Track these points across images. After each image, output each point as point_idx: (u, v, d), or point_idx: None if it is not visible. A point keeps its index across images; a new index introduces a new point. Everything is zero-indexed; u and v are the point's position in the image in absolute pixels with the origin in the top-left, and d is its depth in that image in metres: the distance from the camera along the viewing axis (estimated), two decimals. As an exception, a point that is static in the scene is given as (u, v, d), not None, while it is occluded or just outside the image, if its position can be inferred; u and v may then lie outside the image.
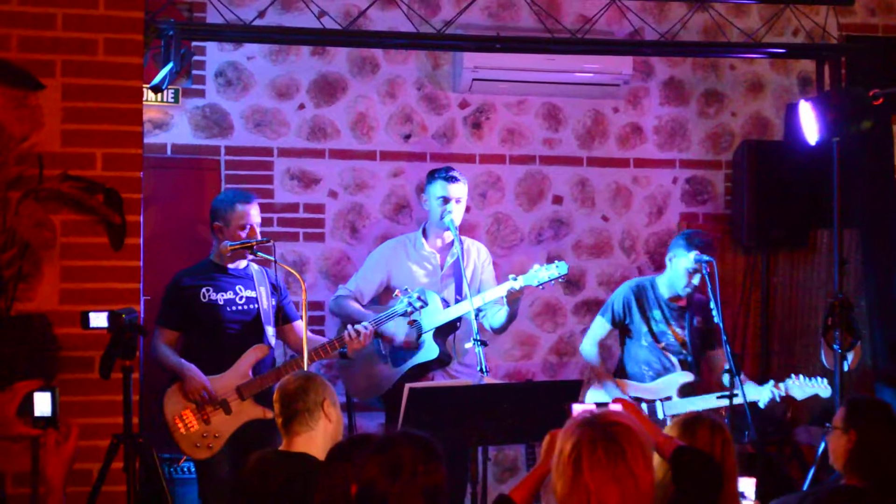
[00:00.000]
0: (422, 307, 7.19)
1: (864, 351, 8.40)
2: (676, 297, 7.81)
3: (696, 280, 7.62)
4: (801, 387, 7.57)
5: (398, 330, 7.38)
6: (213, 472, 6.95)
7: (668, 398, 7.68)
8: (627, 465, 3.53)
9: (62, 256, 6.25)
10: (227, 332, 7.09)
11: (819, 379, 7.57)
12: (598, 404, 4.63)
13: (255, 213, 7.14)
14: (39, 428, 4.01)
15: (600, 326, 7.98)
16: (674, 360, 7.78)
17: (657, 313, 7.81)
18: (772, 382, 7.63)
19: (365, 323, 7.19)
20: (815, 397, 7.64)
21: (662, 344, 7.79)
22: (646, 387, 7.75)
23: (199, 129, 8.55)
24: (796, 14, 8.43)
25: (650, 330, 7.80)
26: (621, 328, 7.93)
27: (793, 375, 7.63)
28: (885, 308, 8.99)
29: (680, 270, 7.68)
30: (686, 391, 7.70)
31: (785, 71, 9.51)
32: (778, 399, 7.59)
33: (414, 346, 7.39)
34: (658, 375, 7.77)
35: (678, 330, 7.79)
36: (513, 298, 7.23)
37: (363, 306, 7.58)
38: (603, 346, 8.02)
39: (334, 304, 7.68)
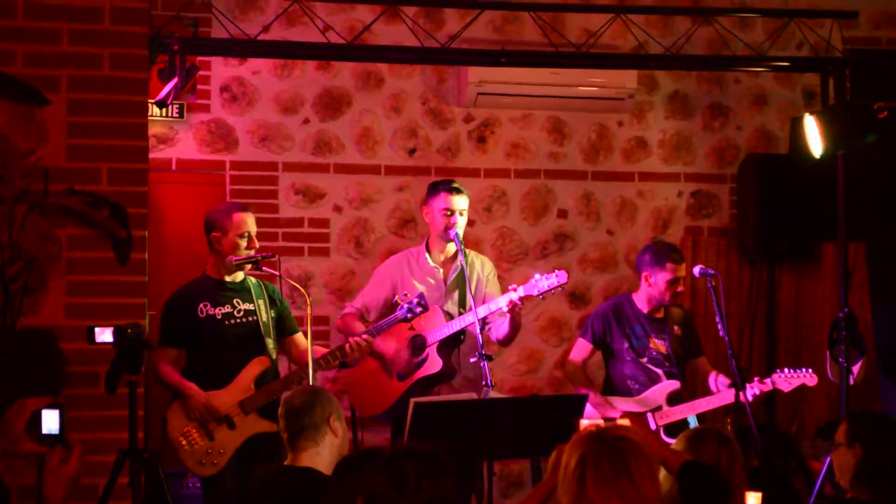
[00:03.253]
0: (422, 312, 7.16)
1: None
2: (655, 310, 7.81)
3: (679, 289, 7.65)
4: (788, 379, 7.57)
5: (398, 353, 7.39)
6: (218, 489, 6.92)
7: (659, 408, 7.67)
8: (632, 479, 3.53)
9: (68, 271, 6.26)
10: (228, 346, 7.04)
11: (804, 370, 7.57)
12: (605, 419, 4.62)
13: (252, 222, 7.10)
14: (47, 445, 4.00)
15: (581, 347, 7.94)
16: (658, 371, 7.77)
17: (637, 328, 7.81)
18: (756, 379, 7.64)
19: (364, 333, 7.18)
20: (822, 410, 7.64)
21: (645, 358, 7.78)
22: (634, 400, 7.74)
23: (205, 143, 8.58)
24: (801, 28, 8.44)
25: (631, 346, 7.79)
26: (603, 347, 7.90)
27: (777, 369, 7.64)
28: (890, 320, 8.99)
29: (661, 286, 7.68)
30: (674, 399, 7.70)
31: (789, 84, 9.51)
32: (758, 392, 7.58)
33: (413, 367, 7.38)
34: (645, 388, 7.76)
35: (659, 342, 7.79)
36: (514, 309, 7.20)
37: (368, 322, 7.57)
38: (587, 368, 7.99)
39: (341, 322, 7.67)
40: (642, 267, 7.81)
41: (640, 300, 7.84)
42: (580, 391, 7.78)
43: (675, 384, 7.72)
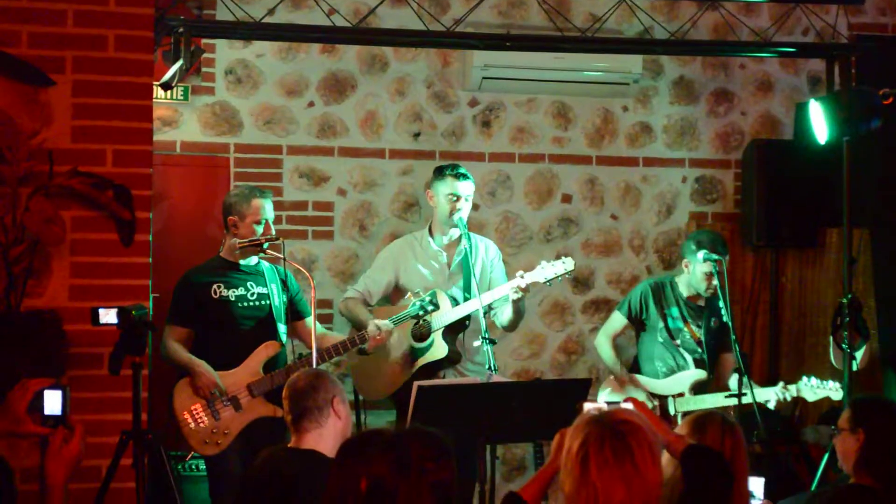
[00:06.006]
0: (433, 311, 7.20)
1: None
2: (695, 297, 7.84)
3: (715, 282, 7.62)
4: (813, 389, 7.57)
5: (394, 346, 7.38)
6: (223, 470, 6.94)
7: (681, 395, 7.69)
8: (635, 463, 3.53)
9: (72, 252, 6.26)
10: (240, 329, 7.09)
11: (831, 382, 7.56)
12: (609, 403, 4.62)
13: (270, 208, 7.13)
14: (49, 426, 4.00)
15: (616, 320, 8.01)
16: (688, 357, 7.79)
17: (675, 310, 7.84)
18: (781, 384, 7.64)
19: (387, 321, 7.19)
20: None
21: (678, 341, 7.80)
22: (659, 383, 7.77)
23: (209, 126, 8.57)
24: (806, 13, 8.42)
25: (666, 326, 7.82)
26: (637, 323, 7.95)
27: (804, 377, 7.62)
28: (893, 306, 8.98)
29: (698, 275, 7.73)
30: (698, 389, 7.71)
31: (794, 70, 9.50)
32: (786, 400, 7.59)
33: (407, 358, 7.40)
34: (671, 372, 7.79)
35: (695, 328, 7.81)
36: (518, 296, 7.21)
37: (371, 306, 7.57)
38: (616, 344, 8.01)
39: (343, 306, 7.67)
40: (685, 253, 7.86)
41: (683, 284, 7.87)
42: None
43: (701, 374, 7.74)
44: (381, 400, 7.69)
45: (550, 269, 7.15)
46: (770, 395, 7.55)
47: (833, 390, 7.53)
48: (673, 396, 7.69)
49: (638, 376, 7.85)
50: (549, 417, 4.77)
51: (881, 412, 5.18)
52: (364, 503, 3.44)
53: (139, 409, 5.67)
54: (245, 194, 7.15)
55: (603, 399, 7.64)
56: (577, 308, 9.20)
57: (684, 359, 7.80)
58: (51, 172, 6.13)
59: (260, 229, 7.05)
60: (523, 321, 7.68)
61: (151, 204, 6.49)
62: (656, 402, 7.69)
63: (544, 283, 7.19)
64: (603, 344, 8.00)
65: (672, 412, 7.63)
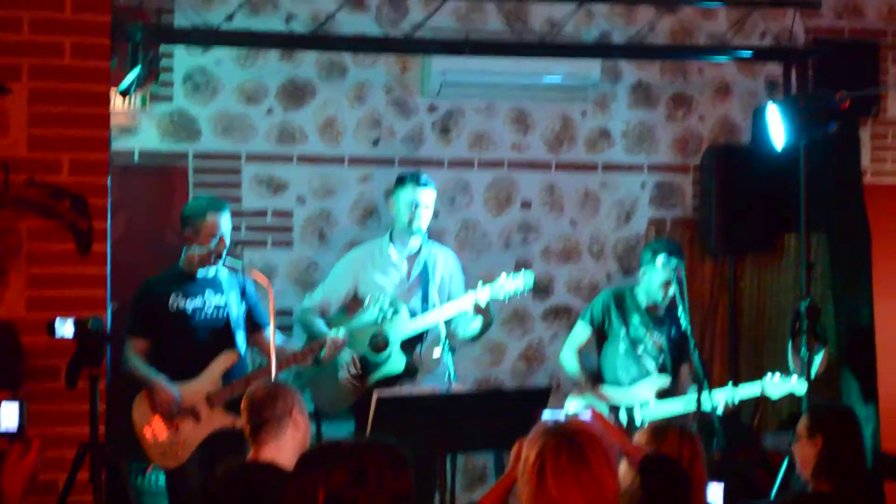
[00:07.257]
0: (393, 314, 7.19)
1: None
2: (654, 307, 7.84)
3: (671, 291, 7.64)
4: (777, 386, 7.59)
5: (341, 369, 7.37)
6: (183, 482, 6.91)
7: (646, 402, 7.70)
8: (591, 472, 3.53)
9: (28, 263, 6.22)
10: (197, 339, 7.06)
11: (794, 377, 7.58)
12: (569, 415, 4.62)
13: (225, 222, 7.10)
14: (5, 440, 3.97)
15: (579, 331, 8.00)
16: (650, 365, 7.80)
17: (636, 318, 7.84)
18: (729, 384, 7.67)
19: (341, 328, 7.17)
20: (783, 403, 7.67)
21: (640, 349, 7.81)
22: (625, 392, 7.77)
23: (167, 134, 8.53)
24: (764, 17, 8.45)
25: (628, 334, 7.82)
26: (599, 333, 7.95)
27: (768, 374, 7.65)
28: (851, 312, 9.01)
29: (654, 284, 7.73)
30: (663, 395, 7.72)
31: (752, 74, 9.52)
32: (732, 403, 7.61)
33: (358, 386, 7.37)
34: (634, 381, 7.78)
35: (656, 336, 7.81)
36: (481, 310, 7.22)
37: (330, 315, 7.55)
38: (581, 355, 8.01)
39: (301, 316, 7.65)
40: (642, 263, 7.86)
41: (641, 293, 7.88)
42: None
43: (665, 380, 7.75)
44: (339, 411, 7.67)
45: (510, 284, 7.17)
46: (719, 398, 7.56)
47: (797, 386, 7.55)
48: (639, 404, 7.70)
49: (604, 387, 7.84)
50: (509, 426, 4.77)
51: (839, 419, 5.21)
52: (322, 516, 3.44)
53: (96, 421, 5.63)
54: (200, 209, 7.12)
55: (570, 409, 7.64)
56: (537, 316, 9.20)
57: (646, 368, 7.81)
58: (6, 182, 6.08)
59: (215, 242, 7.02)
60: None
61: (109, 213, 6.46)
62: (623, 414, 7.70)
63: (503, 298, 7.22)
64: (568, 358, 7.99)
65: (638, 422, 7.64)
